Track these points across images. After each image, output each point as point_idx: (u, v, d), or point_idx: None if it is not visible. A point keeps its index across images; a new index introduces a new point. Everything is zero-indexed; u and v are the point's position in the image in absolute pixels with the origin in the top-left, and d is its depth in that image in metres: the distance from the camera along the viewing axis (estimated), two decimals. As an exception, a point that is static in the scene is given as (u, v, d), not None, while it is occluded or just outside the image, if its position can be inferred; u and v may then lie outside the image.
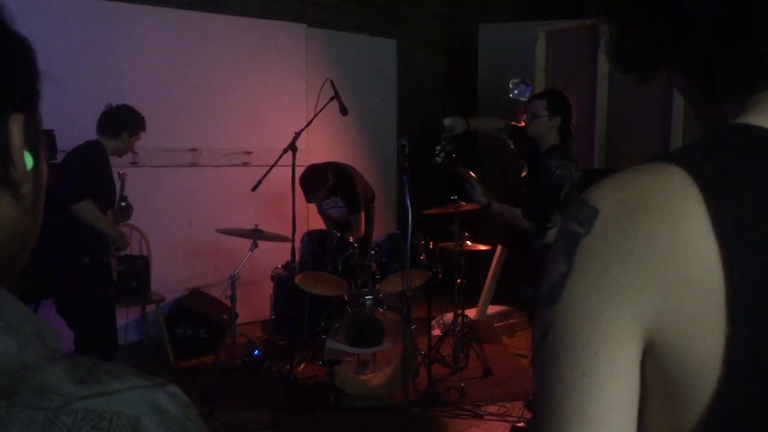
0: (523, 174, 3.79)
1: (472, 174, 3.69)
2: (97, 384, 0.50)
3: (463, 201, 4.12)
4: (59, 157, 4.13)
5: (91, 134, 3.75)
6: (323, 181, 4.64)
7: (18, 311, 0.54)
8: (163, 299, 4.80)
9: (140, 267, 4.67)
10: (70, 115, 4.42)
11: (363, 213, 4.88)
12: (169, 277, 5.13)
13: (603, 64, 5.29)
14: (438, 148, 3.64)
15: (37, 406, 0.47)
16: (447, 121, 3.76)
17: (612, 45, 0.73)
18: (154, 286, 4.81)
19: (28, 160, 0.57)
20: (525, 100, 4.17)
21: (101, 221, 3.62)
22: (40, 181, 0.60)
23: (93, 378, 0.50)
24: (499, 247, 5.17)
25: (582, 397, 0.62)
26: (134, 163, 4.85)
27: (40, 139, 0.59)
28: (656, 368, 0.62)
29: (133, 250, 4.78)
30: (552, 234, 3.38)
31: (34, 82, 0.59)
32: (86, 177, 3.60)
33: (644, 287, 0.60)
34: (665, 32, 0.67)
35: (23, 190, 0.57)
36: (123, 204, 4.01)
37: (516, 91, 4.70)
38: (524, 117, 3.59)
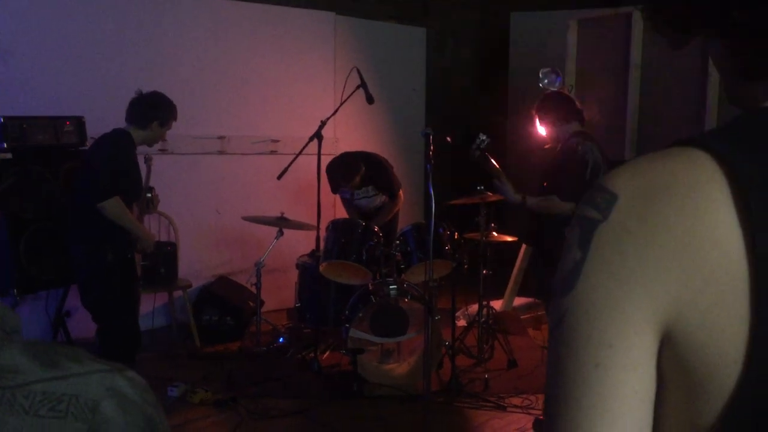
0: (548, 166, 3.77)
1: (502, 172, 3.71)
2: (56, 367, 0.50)
3: (484, 184, 4.12)
4: (89, 144, 4.19)
5: (122, 122, 3.61)
6: (357, 168, 4.60)
7: None
8: (190, 285, 4.85)
9: (168, 253, 4.72)
10: (99, 103, 4.48)
11: (398, 198, 4.87)
12: (197, 264, 5.18)
13: (635, 54, 5.19)
14: (476, 142, 3.73)
15: None
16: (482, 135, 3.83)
17: (652, 2, 0.69)
18: (182, 272, 4.86)
19: None
20: (555, 89, 4.14)
21: (128, 220, 3.43)
22: None
23: (51, 361, 0.50)
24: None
25: (595, 389, 0.60)
26: (163, 150, 4.89)
27: None
28: (674, 360, 0.60)
29: (161, 236, 4.84)
30: None
31: None
32: (112, 172, 3.38)
33: (662, 277, 0.58)
34: None
35: None
36: (149, 195, 3.95)
37: (546, 81, 4.65)
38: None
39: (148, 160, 3.97)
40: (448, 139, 3.87)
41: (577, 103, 3.68)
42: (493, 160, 3.73)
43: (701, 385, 0.58)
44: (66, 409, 0.48)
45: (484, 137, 3.74)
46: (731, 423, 0.57)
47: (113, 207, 3.34)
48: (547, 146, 3.79)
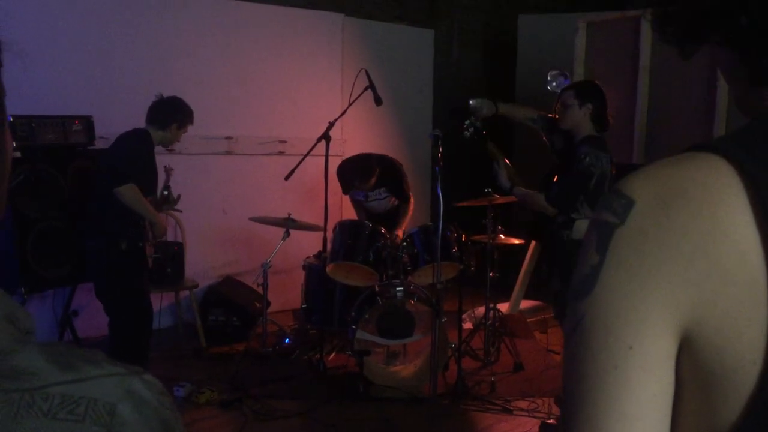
0: (555, 167, 3.72)
1: (502, 156, 3.64)
2: (74, 370, 0.50)
3: (491, 187, 4.05)
4: (98, 144, 4.21)
5: (132, 121, 3.75)
6: (373, 170, 4.58)
7: None
8: (197, 285, 4.86)
9: (175, 253, 4.73)
10: (108, 102, 4.50)
11: (410, 202, 4.85)
12: (203, 264, 5.19)
13: (644, 57, 5.17)
14: (467, 122, 3.62)
15: (12, 388, 0.47)
16: (473, 102, 3.72)
17: (658, 13, 0.69)
18: (188, 272, 4.86)
19: None
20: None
21: (143, 205, 3.59)
22: (1, 155, 0.59)
23: (69, 363, 0.50)
24: (533, 242, 5.11)
25: (614, 391, 0.60)
26: (171, 150, 4.88)
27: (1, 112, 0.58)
28: (692, 363, 0.60)
29: (169, 236, 4.84)
30: (579, 227, 3.31)
31: None
32: (130, 161, 3.60)
33: (680, 280, 0.59)
34: (715, 5, 0.64)
35: None
36: (165, 192, 4.04)
37: (554, 83, 4.63)
38: (557, 109, 3.53)
39: (168, 170, 4.13)
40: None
41: (610, 112, 3.48)
42: (492, 143, 3.60)
43: (720, 387, 0.59)
44: (84, 413, 0.48)
45: (473, 118, 3.59)
46: (750, 425, 0.57)
47: (129, 192, 3.51)
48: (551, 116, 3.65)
